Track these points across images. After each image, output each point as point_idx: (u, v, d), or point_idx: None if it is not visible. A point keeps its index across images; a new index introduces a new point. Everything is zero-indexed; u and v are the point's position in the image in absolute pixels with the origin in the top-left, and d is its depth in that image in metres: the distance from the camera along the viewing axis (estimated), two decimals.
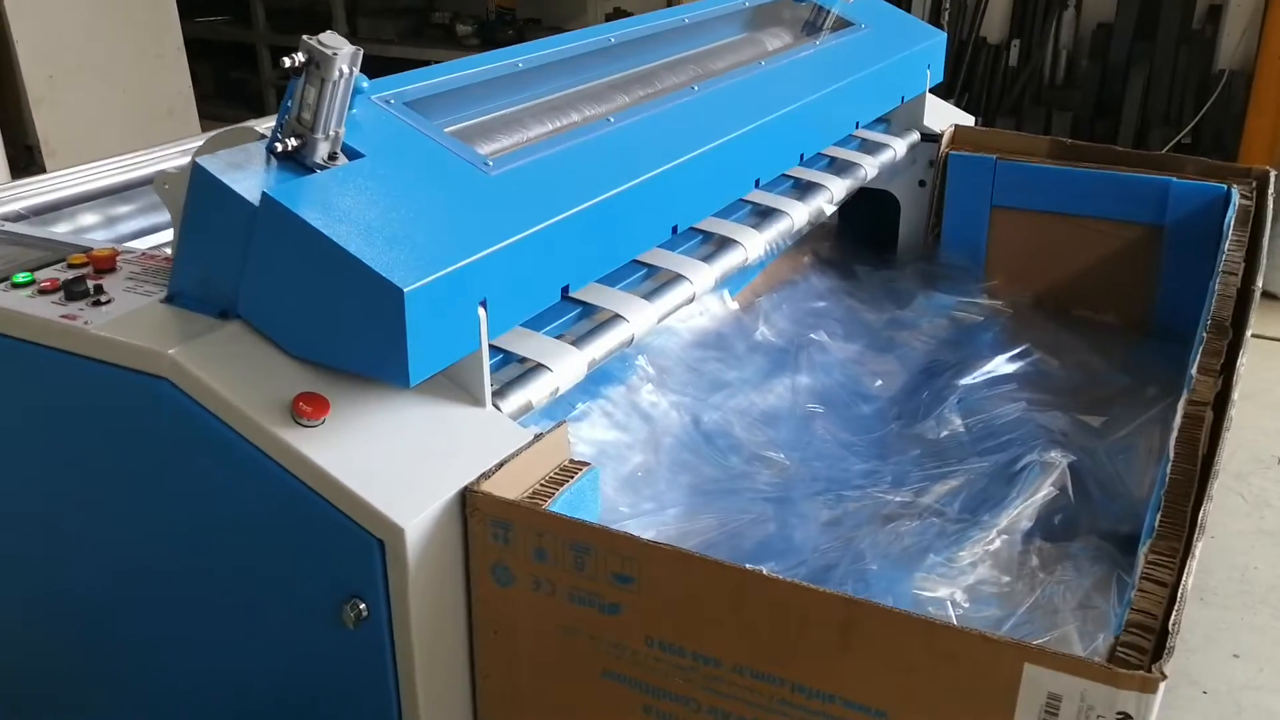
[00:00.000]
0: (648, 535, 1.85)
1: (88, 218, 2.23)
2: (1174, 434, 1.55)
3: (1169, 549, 1.31)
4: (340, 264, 1.30)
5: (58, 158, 4.72)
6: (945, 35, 2.90)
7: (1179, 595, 1.18)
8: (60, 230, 2.13)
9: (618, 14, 5.65)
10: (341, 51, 1.38)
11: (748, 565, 1.21)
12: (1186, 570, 1.22)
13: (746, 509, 1.94)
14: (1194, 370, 1.74)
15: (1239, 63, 4.64)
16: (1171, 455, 1.49)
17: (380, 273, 1.29)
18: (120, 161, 2.38)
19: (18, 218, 2.04)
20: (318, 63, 1.38)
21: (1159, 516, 1.36)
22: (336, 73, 1.38)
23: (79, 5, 4.81)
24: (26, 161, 4.79)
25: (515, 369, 1.60)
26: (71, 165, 2.32)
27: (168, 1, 5.15)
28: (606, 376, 2.16)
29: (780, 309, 2.61)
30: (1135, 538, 1.85)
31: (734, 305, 2.56)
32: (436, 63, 1.85)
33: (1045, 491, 1.88)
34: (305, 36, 1.39)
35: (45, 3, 4.70)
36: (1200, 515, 1.31)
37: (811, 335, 2.53)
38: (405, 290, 1.28)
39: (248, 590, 1.45)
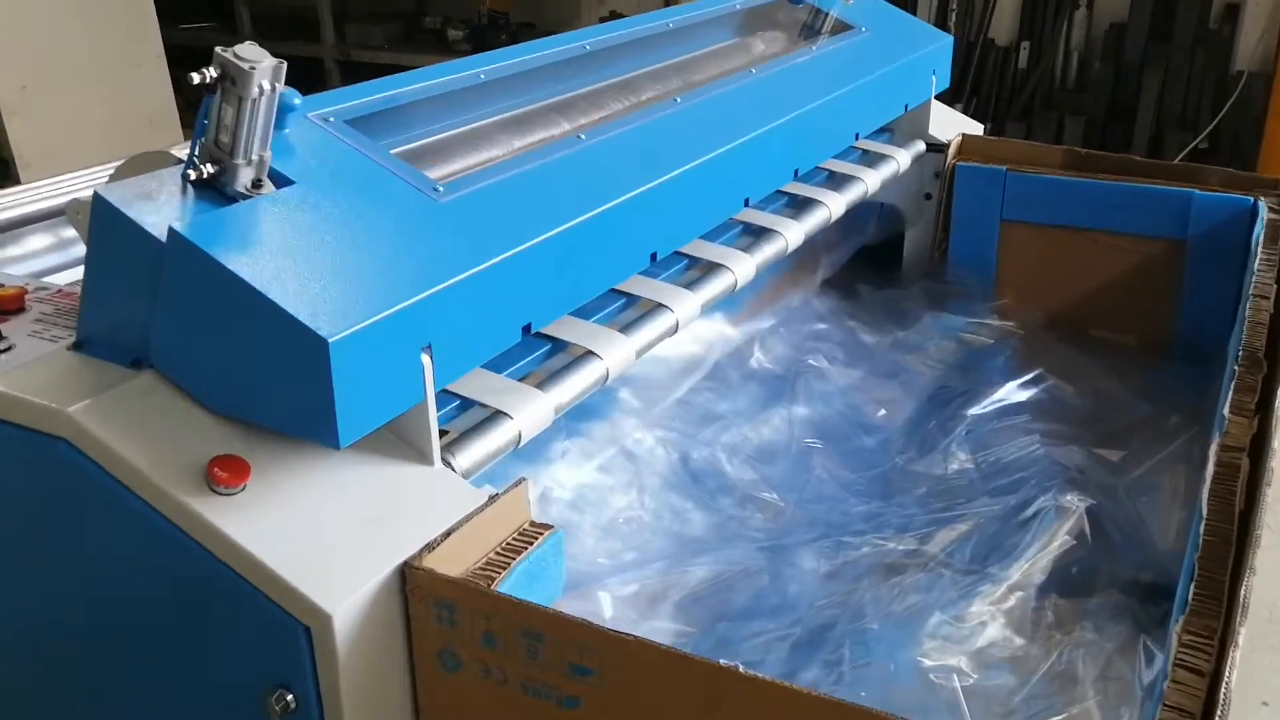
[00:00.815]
0: (629, 590, 1.71)
1: (38, 240, 2.07)
2: (1206, 485, 1.38)
3: (1205, 629, 1.14)
4: (256, 310, 1.14)
5: (33, 170, 4.57)
6: (952, 39, 2.73)
7: (1221, 696, 1.01)
8: (6, 254, 1.98)
9: (613, 17, 5.49)
10: (261, 65, 1.22)
11: (724, 662, 1.05)
12: (1229, 663, 1.05)
13: (738, 559, 1.78)
14: (1226, 410, 1.57)
15: (1258, 64, 4.46)
16: (1205, 512, 1.32)
17: (301, 320, 1.13)
18: (81, 177, 2.20)
19: None
20: (233, 78, 1.22)
21: (1193, 589, 1.20)
22: (255, 89, 1.22)
23: (52, 13, 4.66)
24: (1, 175, 4.64)
25: (474, 415, 1.44)
26: (49, 178, 2.14)
27: (146, 8, 5.00)
28: (587, 411, 2.00)
29: (777, 333, 2.45)
30: (1158, 588, 1.69)
31: (728, 330, 2.40)
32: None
33: (1061, 540, 1.72)
34: (219, 48, 1.23)
35: (17, 10, 4.55)
36: (1242, 592, 1.14)
37: (810, 361, 2.37)
38: (330, 340, 1.12)
39: (166, 672, 1.28)
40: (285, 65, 1.26)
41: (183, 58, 6.09)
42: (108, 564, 1.25)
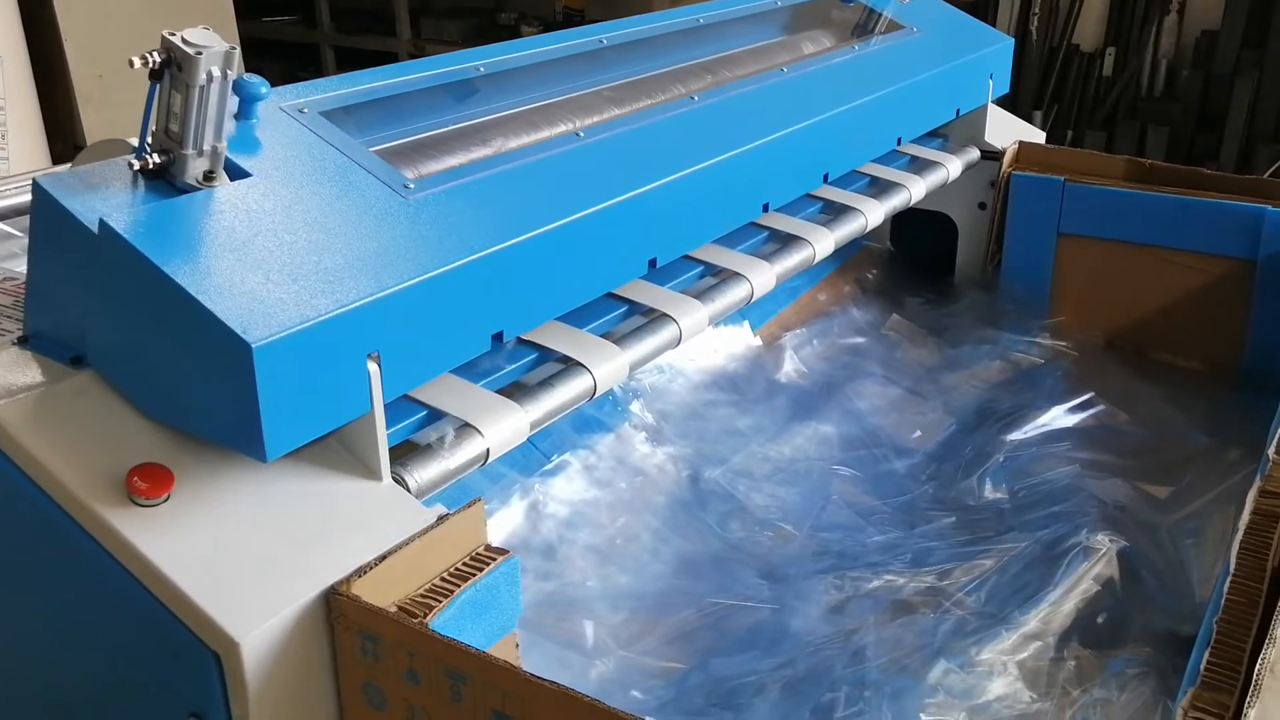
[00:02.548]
0: (618, 618, 1.61)
1: None
2: (1238, 537, 1.24)
3: (1216, 705, 1.01)
4: (182, 309, 1.07)
5: None
6: (1013, 41, 2.59)
7: None
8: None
9: None
10: (209, 51, 1.15)
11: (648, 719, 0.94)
12: None
13: (739, 589, 1.67)
14: (1273, 449, 1.43)
15: None
16: (1232, 567, 1.19)
17: (225, 321, 1.05)
18: None
19: None
20: (179, 64, 1.14)
21: (1207, 656, 1.07)
22: (203, 76, 1.14)
23: (130, 3, 4.68)
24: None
25: (443, 427, 1.34)
26: None
27: (225, 0, 5.00)
28: (593, 424, 1.91)
29: (810, 345, 2.33)
30: (1194, 643, 1.55)
31: (755, 340, 2.29)
32: None
33: (1086, 585, 1.58)
34: (166, 32, 1.16)
35: (95, 0, 4.58)
36: (1259, 666, 1.01)
37: (844, 376, 2.25)
38: (254, 345, 1.04)
39: (94, 692, 1.21)
40: (237, 51, 1.18)
41: (263, 51, 6.15)
42: (29, 573, 1.18)
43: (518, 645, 1.22)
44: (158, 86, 1.18)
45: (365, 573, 1.10)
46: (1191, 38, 4.57)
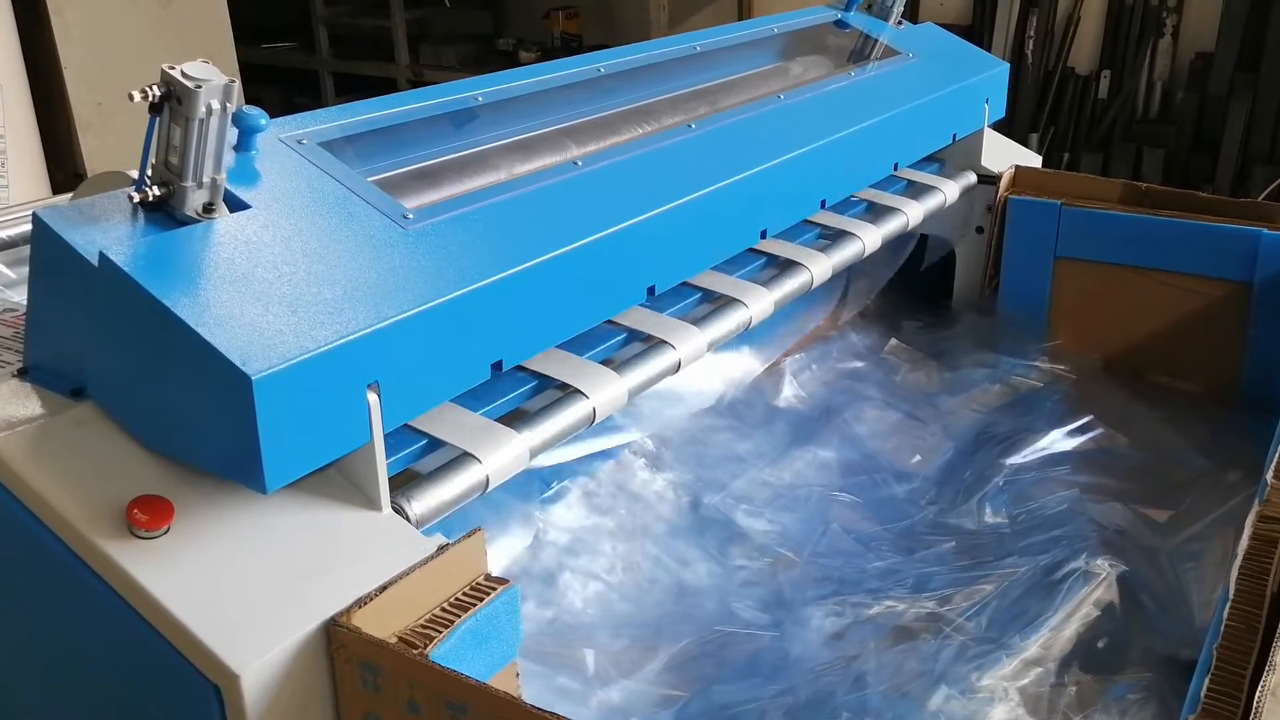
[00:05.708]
0: (618, 645, 1.61)
1: None
2: (1237, 562, 1.25)
3: None
4: (181, 341, 1.07)
5: None
6: (1008, 66, 2.60)
7: None
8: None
9: None
10: (209, 84, 1.15)
11: None
12: None
13: (739, 616, 1.67)
14: (1270, 474, 1.43)
15: None
16: (1231, 593, 1.19)
17: (225, 354, 1.05)
18: None
19: None
20: (179, 97, 1.15)
21: (1207, 682, 1.07)
22: (203, 109, 1.15)
23: (130, 31, 4.71)
24: (73, 189, 4.69)
25: (442, 456, 1.35)
26: None
27: (223, 28, 5.03)
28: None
29: (809, 370, 2.33)
30: (1195, 667, 1.54)
31: (754, 365, 2.29)
32: None
33: (1086, 610, 1.58)
34: (165, 65, 1.16)
35: (95, 28, 4.60)
36: (1259, 692, 1.01)
37: (843, 401, 2.25)
38: (254, 377, 1.04)
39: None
40: (236, 84, 1.19)
41: (262, 77, 6.18)
42: (29, 605, 1.18)
43: (518, 674, 1.22)
44: (157, 119, 1.18)
45: (365, 603, 1.10)
46: (1186, 60, 4.60)
